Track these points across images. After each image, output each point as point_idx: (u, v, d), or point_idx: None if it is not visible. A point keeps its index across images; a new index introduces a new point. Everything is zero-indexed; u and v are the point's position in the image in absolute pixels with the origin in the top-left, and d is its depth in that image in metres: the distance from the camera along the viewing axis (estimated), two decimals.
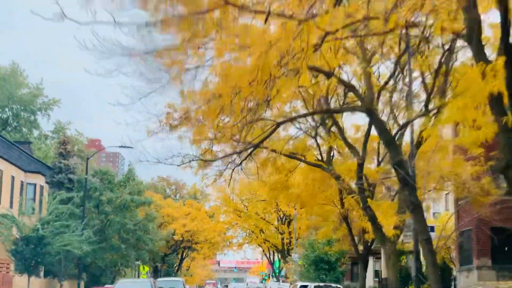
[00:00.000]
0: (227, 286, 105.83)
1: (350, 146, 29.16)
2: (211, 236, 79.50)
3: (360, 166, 28.01)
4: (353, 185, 30.23)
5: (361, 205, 27.87)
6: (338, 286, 35.88)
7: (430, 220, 33.27)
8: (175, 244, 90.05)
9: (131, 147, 52.10)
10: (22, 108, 67.72)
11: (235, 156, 26.79)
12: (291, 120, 27.95)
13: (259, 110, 17.28)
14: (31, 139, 68.47)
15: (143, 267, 79.01)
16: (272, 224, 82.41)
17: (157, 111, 21.00)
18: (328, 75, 21.45)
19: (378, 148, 31.94)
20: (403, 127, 27.91)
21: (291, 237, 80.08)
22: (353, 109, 27.17)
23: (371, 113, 25.01)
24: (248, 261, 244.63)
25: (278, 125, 25.14)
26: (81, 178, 50.07)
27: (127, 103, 17.91)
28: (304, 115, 28.78)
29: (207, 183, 29.43)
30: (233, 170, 27.72)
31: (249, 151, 26.81)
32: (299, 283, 38.56)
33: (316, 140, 32.12)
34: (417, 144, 26.09)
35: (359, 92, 26.80)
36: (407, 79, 26.98)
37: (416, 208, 22.83)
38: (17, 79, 68.40)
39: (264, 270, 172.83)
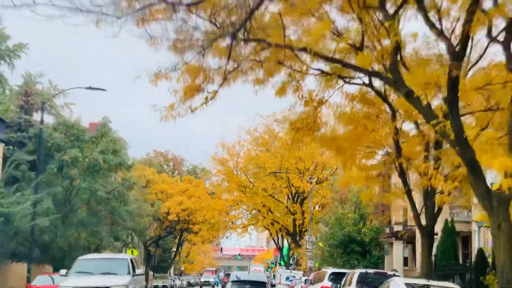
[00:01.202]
0: (229, 274, 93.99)
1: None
2: (210, 216, 67.81)
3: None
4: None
5: (451, 137, 16.04)
6: (397, 273, 24.27)
7: None
8: (170, 225, 78.49)
9: (104, 89, 40.75)
10: None
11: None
12: None
13: None
14: None
15: (132, 252, 67.43)
16: (282, 203, 70.76)
17: None
18: None
19: None
20: None
21: (304, 218, 68.46)
22: None
23: None
24: (252, 248, 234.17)
25: None
26: (37, 131, 38.34)
27: None
28: None
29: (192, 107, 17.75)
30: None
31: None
32: (330, 270, 26.75)
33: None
34: None
35: None
36: None
37: None
38: None
39: (270, 257, 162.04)
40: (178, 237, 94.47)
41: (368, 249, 36.98)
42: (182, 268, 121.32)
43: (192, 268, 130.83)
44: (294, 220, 69.15)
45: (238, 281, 29.96)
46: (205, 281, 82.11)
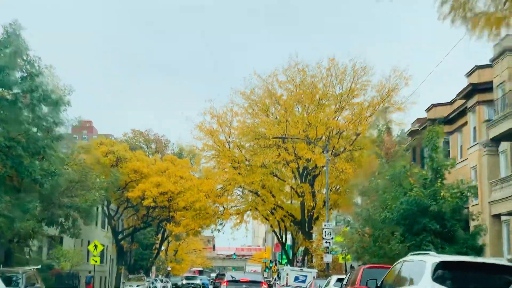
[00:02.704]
0: (222, 274, 79.11)
1: None
2: (195, 198, 52.65)
3: None
4: None
5: None
6: None
7: None
8: (147, 214, 63.60)
9: None
10: None
11: None
12: None
13: None
14: None
15: (95, 247, 52.47)
16: (285, 181, 55.86)
17: None
18: None
19: None
20: None
21: (316, 201, 53.49)
22: None
23: None
24: (249, 247, 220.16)
25: None
26: None
27: None
28: None
29: None
30: None
31: None
32: (432, 257, 11.47)
33: None
34: None
35: None
36: None
37: None
38: None
39: (268, 256, 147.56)
40: (161, 230, 79.43)
41: (450, 227, 22.24)
42: (169, 269, 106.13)
43: (181, 269, 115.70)
44: (303, 204, 54.18)
45: (234, 281, 29.76)
46: (188, 283, 66.76)
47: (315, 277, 45.01)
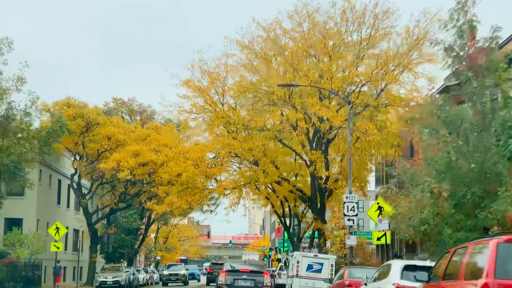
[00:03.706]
0: (215, 263, 68.76)
1: None
2: (181, 169, 42.07)
3: None
4: None
5: None
6: None
7: None
8: (125, 192, 53.21)
9: None
10: None
11: None
12: None
13: None
14: None
15: (56, 229, 42.24)
16: (295, 151, 45.55)
17: None
18: None
19: None
20: None
21: (329, 173, 43.12)
22: None
23: None
24: (245, 235, 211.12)
25: None
26: None
27: None
28: None
29: None
30: None
31: None
32: None
33: None
34: None
35: None
36: None
37: None
38: None
39: (266, 245, 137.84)
40: (146, 213, 69.03)
41: None
42: (158, 258, 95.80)
43: (172, 258, 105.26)
44: (313, 176, 43.75)
45: (233, 271, 27.92)
46: (170, 274, 55.64)
47: (334, 265, 35.12)
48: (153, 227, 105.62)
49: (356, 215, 33.89)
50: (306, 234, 62.38)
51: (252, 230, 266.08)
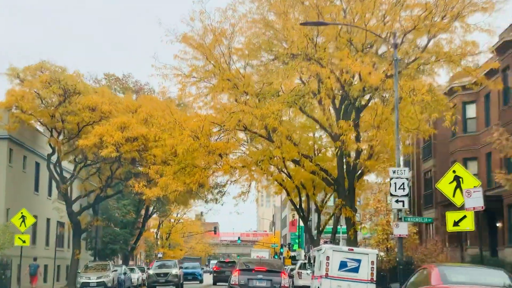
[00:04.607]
0: (223, 262, 60.26)
1: None
2: (177, 141, 33.28)
3: None
4: None
5: None
6: None
7: None
8: (112, 175, 44.61)
9: None
10: None
11: None
12: None
13: None
14: None
15: (22, 218, 33.76)
16: (318, 121, 36.76)
17: None
18: None
19: None
20: None
21: (360, 146, 34.34)
22: None
23: None
24: (254, 232, 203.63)
25: None
26: None
27: None
28: None
29: None
30: None
31: None
32: None
33: None
34: None
35: None
36: None
37: None
38: None
39: (277, 241, 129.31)
40: (143, 204, 60.58)
41: None
42: (160, 255, 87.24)
43: (175, 255, 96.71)
44: (341, 152, 34.91)
45: (247, 270, 25.54)
46: (158, 274, 44.98)
47: (375, 262, 26.71)
48: (156, 222, 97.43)
49: (407, 195, 25.33)
50: (326, 228, 53.86)
51: (261, 227, 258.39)
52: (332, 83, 32.92)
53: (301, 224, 73.21)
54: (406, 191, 25.13)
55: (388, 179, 26.68)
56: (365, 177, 40.87)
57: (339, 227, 49.04)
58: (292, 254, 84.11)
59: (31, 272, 41.88)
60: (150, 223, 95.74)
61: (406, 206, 25.21)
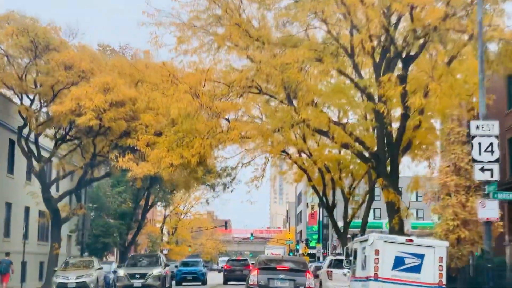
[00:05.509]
0: (234, 260, 53.18)
1: None
2: (170, 101, 25.41)
3: None
4: None
5: None
6: None
7: None
8: (95, 152, 36.60)
9: None
10: None
11: None
12: None
13: None
14: None
15: None
16: (351, 79, 28.72)
17: None
18: None
19: None
20: None
21: (409, 110, 26.40)
22: None
23: None
24: (268, 229, 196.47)
25: None
26: None
27: None
28: None
29: None
30: None
31: None
32: None
33: None
34: None
35: None
36: None
37: None
38: None
39: (292, 238, 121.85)
40: (143, 192, 52.91)
41: None
42: (165, 252, 79.54)
43: (182, 252, 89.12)
44: (382, 119, 26.92)
45: (268, 269, 23.43)
46: (132, 275, 34.40)
47: (444, 259, 18.78)
48: (160, 214, 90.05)
49: (498, 160, 17.35)
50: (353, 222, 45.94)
51: (274, 224, 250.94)
52: (376, 25, 25.10)
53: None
54: (496, 154, 17.18)
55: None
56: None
57: (374, 220, 41.00)
58: (311, 251, 76.04)
59: (2, 269, 34.60)
60: (153, 216, 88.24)
61: (497, 176, 17.24)
